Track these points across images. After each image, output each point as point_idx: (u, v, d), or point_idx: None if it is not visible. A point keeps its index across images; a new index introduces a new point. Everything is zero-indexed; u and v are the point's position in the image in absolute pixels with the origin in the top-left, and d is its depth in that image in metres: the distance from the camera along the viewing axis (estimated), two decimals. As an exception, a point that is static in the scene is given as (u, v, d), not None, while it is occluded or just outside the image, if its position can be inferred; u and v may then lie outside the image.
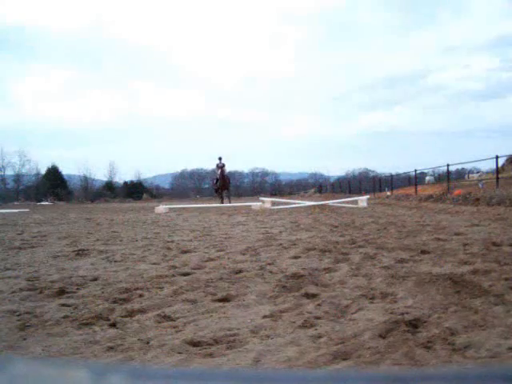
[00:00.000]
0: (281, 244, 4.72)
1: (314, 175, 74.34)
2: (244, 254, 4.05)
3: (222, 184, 19.30)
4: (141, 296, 2.52)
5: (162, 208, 14.50)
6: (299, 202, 17.06)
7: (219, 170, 19.15)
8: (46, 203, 37.13)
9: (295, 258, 3.77)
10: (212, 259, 3.80)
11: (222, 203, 18.51)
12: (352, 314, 2.07)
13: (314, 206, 14.27)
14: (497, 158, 15.09)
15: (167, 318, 2.09)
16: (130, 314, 2.17)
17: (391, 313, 2.01)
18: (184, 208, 15.60)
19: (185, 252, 4.33)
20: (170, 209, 15.08)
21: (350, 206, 14.63)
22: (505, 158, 24.59)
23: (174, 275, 3.11)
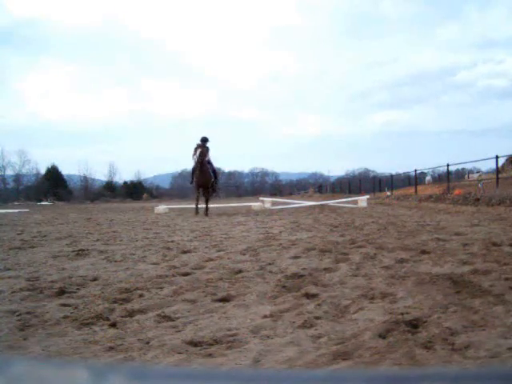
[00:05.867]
0: (281, 244, 4.71)
1: (314, 175, 74.48)
2: (244, 254, 4.05)
3: (201, 178, 11.54)
4: (141, 296, 2.51)
5: (162, 208, 14.51)
6: (299, 201, 17.06)
7: (197, 153, 11.39)
8: (46, 203, 37.13)
9: (295, 257, 3.77)
10: (212, 259, 3.80)
11: (197, 212, 11.61)
12: (352, 314, 2.07)
13: (314, 207, 14.28)
14: (497, 158, 15.09)
15: (167, 318, 2.08)
16: (130, 314, 2.17)
17: (391, 313, 2.01)
18: (184, 208, 15.60)
19: (185, 252, 4.33)
20: (170, 209, 15.08)
21: (350, 205, 14.63)
22: (505, 158, 24.60)
23: (174, 275, 3.11)
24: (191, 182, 12.26)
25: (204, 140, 11.83)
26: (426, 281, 2.60)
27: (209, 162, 11.99)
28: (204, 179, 11.59)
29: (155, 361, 1.57)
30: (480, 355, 1.50)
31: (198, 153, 11.40)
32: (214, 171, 12.39)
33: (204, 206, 11.76)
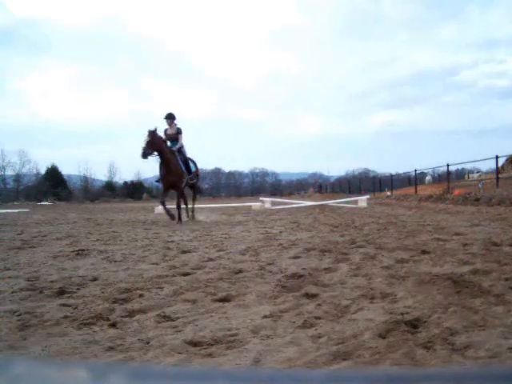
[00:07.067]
0: (281, 244, 4.71)
1: (313, 175, 74.48)
2: (244, 254, 4.05)
3: (167, 174, 8.56)
4: (141, 296, 2.51)
5: (161, 208, 14.49)
6: (299, 201, 17.07)
7: (149, 137, 8.08)
8: (46, 203, 37.13)
9: (295, 258, 3.76)
10: (212, 259, 3.80)
11: (173, 217, 8.65)
12: (352, 314, 2.07)
13: (314, 207, 14.28)
14: (497, 158, 15.10)
15: (167, 318, 2.08)
16: (130, 313, 2.17)
17: (391, 313, 2.01)
18: (183, 208, 15.56)
19: (185, 252, 4.33)
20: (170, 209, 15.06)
21: (350, 205, 14.63)
22: (505, 158, 24.60)
23: (174, 275, 3.11)
24: (157, 180, 9.21)
25: (169, 117, 8.84)
26: (426, 281, 2.60)
27: (179, 151, 8.87)
28: (172, 175, 8.53)
29: (155, 361, 1.57)
30: (480, 355, 1.50)
31: (150, 138, 8.06)
32: (186, 161, 9.15)
33: (190, 207, 9.80)
